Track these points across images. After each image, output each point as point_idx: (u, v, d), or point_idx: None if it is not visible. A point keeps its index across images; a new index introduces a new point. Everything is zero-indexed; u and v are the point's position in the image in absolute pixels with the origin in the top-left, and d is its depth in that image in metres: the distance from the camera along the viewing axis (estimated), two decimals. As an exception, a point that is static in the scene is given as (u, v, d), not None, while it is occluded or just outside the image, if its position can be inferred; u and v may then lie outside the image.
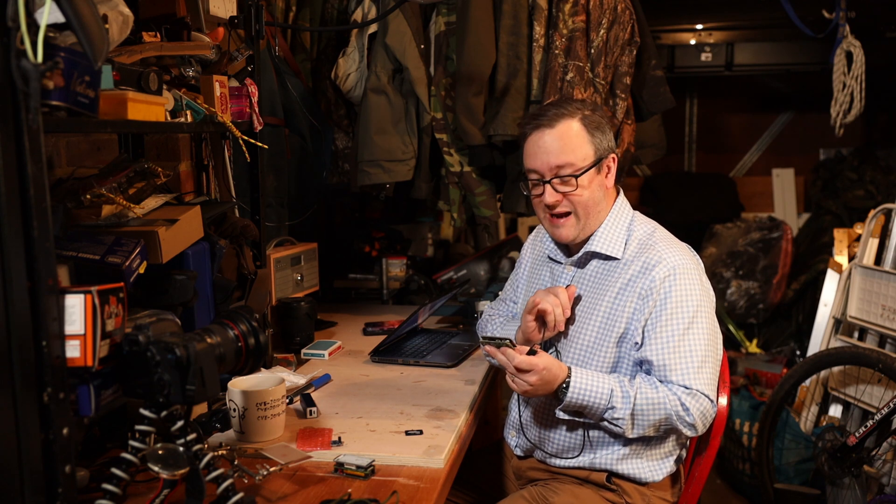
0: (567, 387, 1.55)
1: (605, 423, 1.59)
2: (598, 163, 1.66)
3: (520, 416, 1.77)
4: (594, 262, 1.72)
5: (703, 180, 5.49)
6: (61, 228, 1.37)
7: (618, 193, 1.77)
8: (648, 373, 1.61)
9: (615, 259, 1.69)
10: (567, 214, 1.68)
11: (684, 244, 1.72)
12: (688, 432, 1.57)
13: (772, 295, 4.45)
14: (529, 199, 1.77)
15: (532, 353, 1.54)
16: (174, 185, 2.05)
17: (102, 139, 1.84)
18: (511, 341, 1.56)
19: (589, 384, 1.55)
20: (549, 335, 1.67)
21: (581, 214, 1.67)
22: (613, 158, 1.71)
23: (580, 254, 1.72)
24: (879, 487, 2.66)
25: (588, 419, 1.62)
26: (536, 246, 1.91)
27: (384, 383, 1.95)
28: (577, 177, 1.64)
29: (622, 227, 1.71)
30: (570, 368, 1.56)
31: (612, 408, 1.55)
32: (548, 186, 1.67)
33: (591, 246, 1.70)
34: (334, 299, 2.97)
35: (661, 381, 1.58)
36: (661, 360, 1.58)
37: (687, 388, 1.55)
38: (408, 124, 2.46)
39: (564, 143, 1.64)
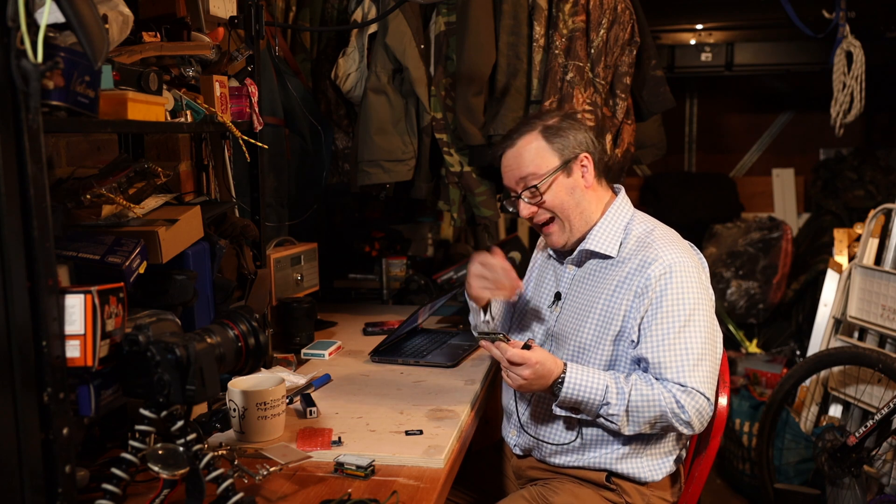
0: (562, 382, 1.56)
1: (601, 420, 1.59)
2: (564, 165, 1.68)
3: (518, 415, 1.77)
4: (592, 261, 1.73)
5: (703, 180, 5.49)
6: (61, 228, 1.37)
7: (616, 193, 1.78)
8: (646, 370, 1.61)
9: (611, 257, 1.69)
10: (550, 221, 1.72)
11: (685, 242, 1.72)
12: (684, 430, 1.57)
13: (772, 295, 4.45)
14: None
15: (527, 347, 1.55)
16: (174, 185, 2.05)
17: (102, 139, 1.84)
18: (504, 335, 1.57)
19: (584, 380, 1.56)
20: (504, 294, 1.73)
21: (563, 218, 1.71)
22: (586, 157, 1.71)
23: (576, 252, 1.74)
24: (879, 487, 2.66)
25: (584, 415, 1.62)
26: (544, 247, 1.92)
27: (384, 383, 1.95)
28: (538, 186, 1.68)
29: (619, 226, 1.71)
30: (565, 364, 1.57)
31: (607, 404, 1.56)
32: (519, 201, 1.72)
33: (586, 244, 1.71)
34: (334, 299, 2.97)
35: (657, 379, 1.58)
36: (656, 357, 1.58)
37: (682, 385, 1.55)
38: (408, 124, 2.46)
39: (524, 156, 1.70)
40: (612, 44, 2.38)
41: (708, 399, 1.57)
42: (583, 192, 1.71)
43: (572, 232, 1.71)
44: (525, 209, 1.71)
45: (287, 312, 2.20)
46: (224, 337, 1.27)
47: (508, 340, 1.57)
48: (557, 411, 1.63)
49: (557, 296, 1.78)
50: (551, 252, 1.83)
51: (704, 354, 1.58)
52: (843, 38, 3.47)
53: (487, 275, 1.72)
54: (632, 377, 1.59)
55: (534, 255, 1.99)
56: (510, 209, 1.78)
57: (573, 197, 1.70)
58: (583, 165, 1.71)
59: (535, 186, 1.68)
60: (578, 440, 1.68)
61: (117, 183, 1.56)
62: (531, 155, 1.69)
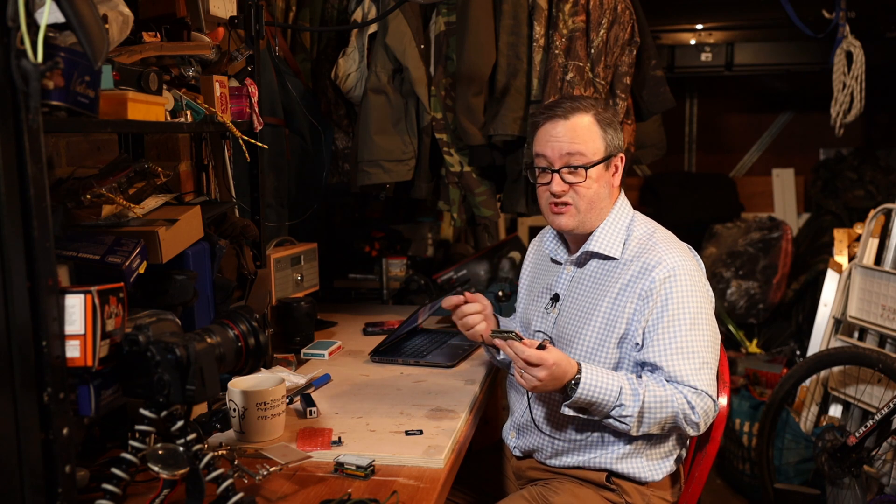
0: (577, 383, 1.53)
1: (611, 421, 1.58)
2: (607, 159, 1.68)
3: (522, 415, 1.76)
4: (593, 262, 1.73)
5: (703, 180, 5.49)
6: (61, 228, 1.37)
7: (619, 193, 1.77)
8: (652, 373, 1.61)
9: (614, 259, 1.69)
10: (569, 204, 1.69)
11: (684, 244, 1.73)
12: (691, 431, 1.58)
13: (772, 295, 4.45)
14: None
15: (541, 347, 1.51)
16: (174, 185, 2.05)
17: (102, 139, 1.84)
18: (518, 334, 1.53)
19: (599, 381, 1.54)
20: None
21: (583, 208, 1.68)
22: (622, 158, 1.72)
23: (579, 253, 1.73)
24: (879, 487, 2.66)
25: (593, 416, 1.60)
26: (538, 250, 1.92)
27: (384, 383, 1.95)
28: (587, 168, 1.65)
29: (621, 227, 1.71)
30: (580, 365, 1.55)
31: (621, 405, 1.54)
32: (556, 175, 1.67)
33: (590, 246, 1.70)
34: (334, 299, 2.97)
35: (667, 381, 1.58)
36: (664, 361, 1.58)
37: (693, 387, 1.56)
38: (408, 124, 2.46)
39: (578, 133, 1.66)
40: (612, 44, 2.38)
41: (714, 400, 1.58)
42: (610, 190, 1.71)
43: (584, 223, 1.70)
44: (559, 185, 1.67)
45: (287, 312, 2.20)
46: (224, 337, 1.27)
47: (521, 339, 1.53)
48: (566, 411, 1.60)
49: (555, 297, 1.77)
50: (552, 254, 1.82)
51: (708, 357, 1.59)
52: (843, 38, 3.47)
53: (473, 315, 1.76)
54: (643, 379, 1.58)
55: (527, 254, 1.98)
56: (531, 180, 1.76)
57: (604, 191, 1.69)
58: (616, 165, 1.71)
59: (582, 167, 1.65)
60: (580, 440, 1.68)
61: (117, 183, 1.56)
62: (586, 135, 1.65)
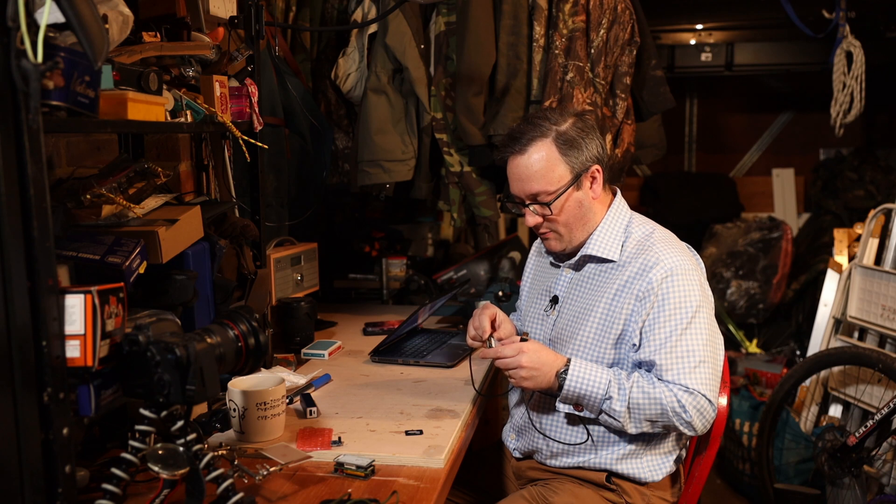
0: (565, 373, 1.57)
1: (604, 416, 1.59)
2: (576, 180, 1.66)
3: (527, 416, 1.76)
4: (591, 265, 1.73)
5: (703, 180, 5.49)
6: (61, 228, 1.37)
7: (614, 195, 1.76)
8: (648, 373, 1.61)
9: (613, 261, 1.69)
10: (550, 231, 1.71)
11: (684, 244, 1.72)
12: (686, 431, 1.57)
13: (772, 295, 4.45)
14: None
15: (523, 340, 1.60)
16: (174, 185, 2.05)
17: (102, 139, 1.84)
18: (494, 340, 1.66)
19: (587, 373, 1.57)
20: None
21: (564, 232, 1.70)
22: (597, 169, 1.69)
23: (576, 258, 1.73)
24: (879, 487, 2.66)
25: (587, 412, 1.62)
26: (539, 252, 1.93)
27: (384, 383, 1.95)
28: (550, 204, 1.66)
29: (619, 230, 1.71)
30: (569, 359, 1.59)
31: (610, 398, 1.56)
32: (527, 210, 1.70)
33: (587, 249, 1.71)
34: (334, 299, 2.97)
35: (659, 380, 1.58)
36: (658, 359, 1.58)
37: (685, 386, 1.56)
38: (408, 124, 2.47)
39: (535, 170, 1.65)
40: (612, 44, 2.38)
41: (709, 400, 1.57)
42: (590, 203, 1.69)
43: (572, 241, 1.71)
44: (532, 219, 1.69)
45: (287, 312, 2.20)
46: (224, 337, 1.27)
47: (492, 345, 1.65)
48: (560, 407, 1.63)
49: (554, 300, 1.77)
50: (551, 257, 1.82)
51: (706, 356, 1.58)
52: (843, 38, 3.47)
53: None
54: (634, 375, 1.59)
55: (529, 256, 1.98)
56: (513, 210, 1.77)
57: (581, 210, 1.68)
58: (593, 178, 1.69)
59: (546, 204, 1.66)
60: (580, 443, 1.68)
61: (117, 183, 1.56)
62: (543, 168, 1.64)
